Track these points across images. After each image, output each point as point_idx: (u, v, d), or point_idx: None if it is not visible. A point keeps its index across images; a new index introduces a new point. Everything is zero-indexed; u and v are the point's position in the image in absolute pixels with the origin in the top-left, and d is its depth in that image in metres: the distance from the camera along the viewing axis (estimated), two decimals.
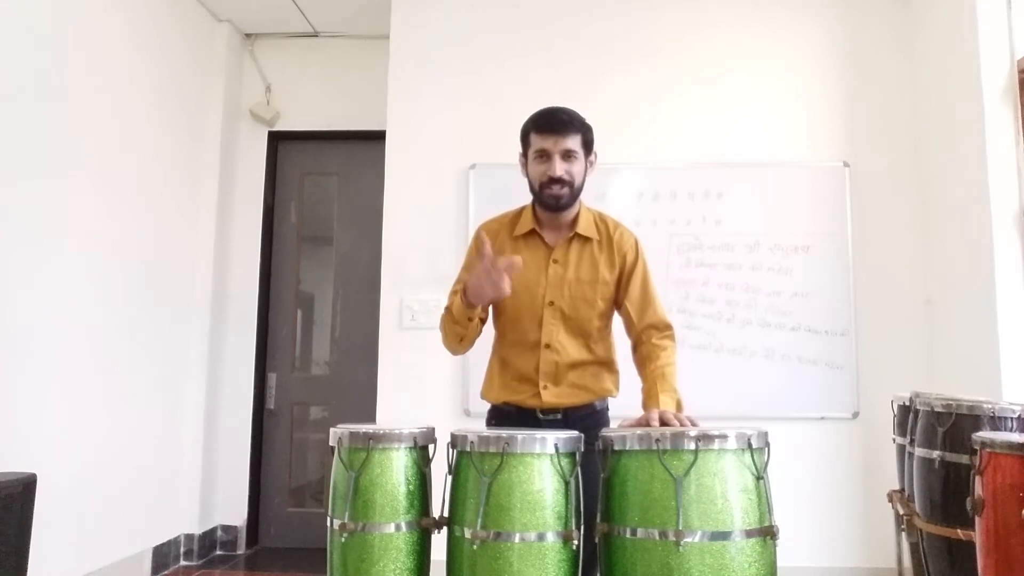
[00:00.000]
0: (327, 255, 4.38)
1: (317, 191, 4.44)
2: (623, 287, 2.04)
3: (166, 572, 3.61)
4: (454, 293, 2.06)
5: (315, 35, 4.31)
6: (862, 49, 3.61)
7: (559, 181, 1.94)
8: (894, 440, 2.67)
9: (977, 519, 1.61)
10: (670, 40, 3.65)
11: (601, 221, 2.08)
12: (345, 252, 4.30)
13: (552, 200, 1.97)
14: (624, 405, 1.99)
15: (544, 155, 1.96)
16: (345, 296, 4.28)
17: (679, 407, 1.86)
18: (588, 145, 2.01)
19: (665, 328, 2.02)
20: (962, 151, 3.14)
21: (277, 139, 4.33)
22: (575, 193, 1.99)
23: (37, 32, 2.79)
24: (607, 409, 2.09)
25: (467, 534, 1.52)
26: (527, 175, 2.04)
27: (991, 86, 2.98)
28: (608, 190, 3.50)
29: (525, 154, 2.03)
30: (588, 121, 2.02)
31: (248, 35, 4.32)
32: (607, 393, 2.07)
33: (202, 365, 3.88)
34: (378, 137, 3.72)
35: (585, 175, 2.02)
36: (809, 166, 3.55)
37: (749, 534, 1.44)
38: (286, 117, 4.29)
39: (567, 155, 1.95)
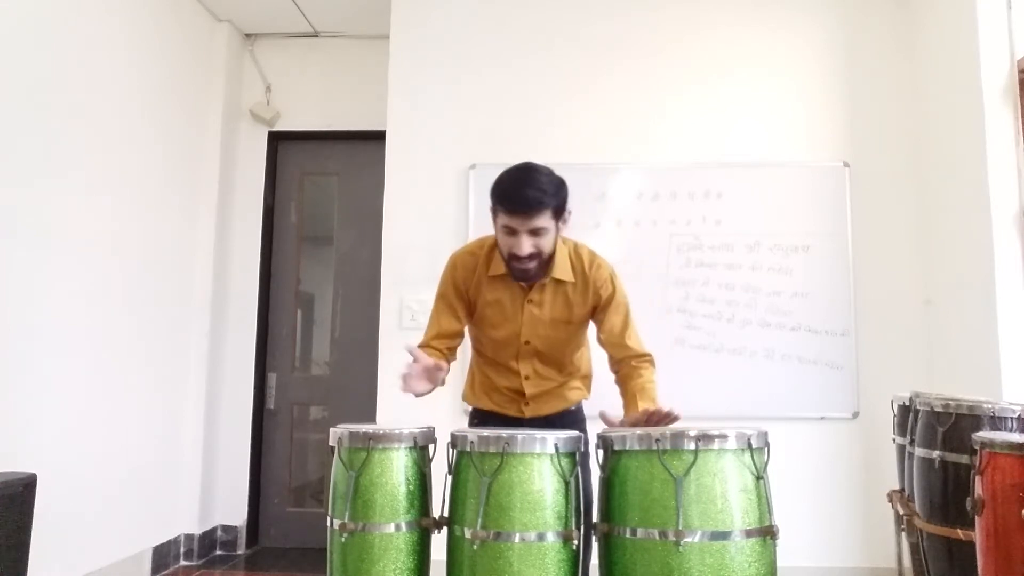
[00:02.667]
0: (327, 255, 4.38)
1: (317, 191, 4.44)
2: (599, 319, 2.04)
3: (166, 572, 3.60)
4: (429, 329, 2.08)
5: (315, 35, 4.31)
6: (862, 49, 3.61)
7: (527, 257, 1.89)
8: (894, 440, 2.67)
9: (977, 519, 1.61)
10: (670, 40, 3.65)
11: (576, 256, 2.04)
12: (345, 252, 4.30)
13: (520, 274, 1.95)
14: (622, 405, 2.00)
15: (510, 231, 1.88)
16: (345, 296, 4.28)
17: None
18: (559, 211, 1.90)
19: (643, 356, 2.03)
20: (962, 151, 3.14)
21: (277, 139, 4.33)
22: (544, 262, 1.94)
23: (37, 32, 2.79)
24: (582, 409, 2.20)
25: (467, 534, 1.52)
26: (496, 234, 1.97)
27: (991, 86, 2.98)
28: (608, 190, 3.50)
29: (494, 214, 1.94)
30: (560, 181, 1.90)
31: (248, 35, 4.32)
32: (582, 397, 2.19)
33: (202, 365, 3.88)
34: (378, 137, 3.72)
35: (557, 237, 1.95)
36: (809, 166, 3.55)
37: (749, 534, 1.45)
38: (286, 117, 4.28)
39: (535, 232, 1.87)
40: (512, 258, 1.92)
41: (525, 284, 2.02)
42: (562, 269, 2.01)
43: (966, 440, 1.80)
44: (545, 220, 1.87)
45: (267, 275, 4.24)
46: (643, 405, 1.86)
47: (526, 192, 1.85)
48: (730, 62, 3.62)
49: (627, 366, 2.02)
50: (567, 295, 2.02)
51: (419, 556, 1.61)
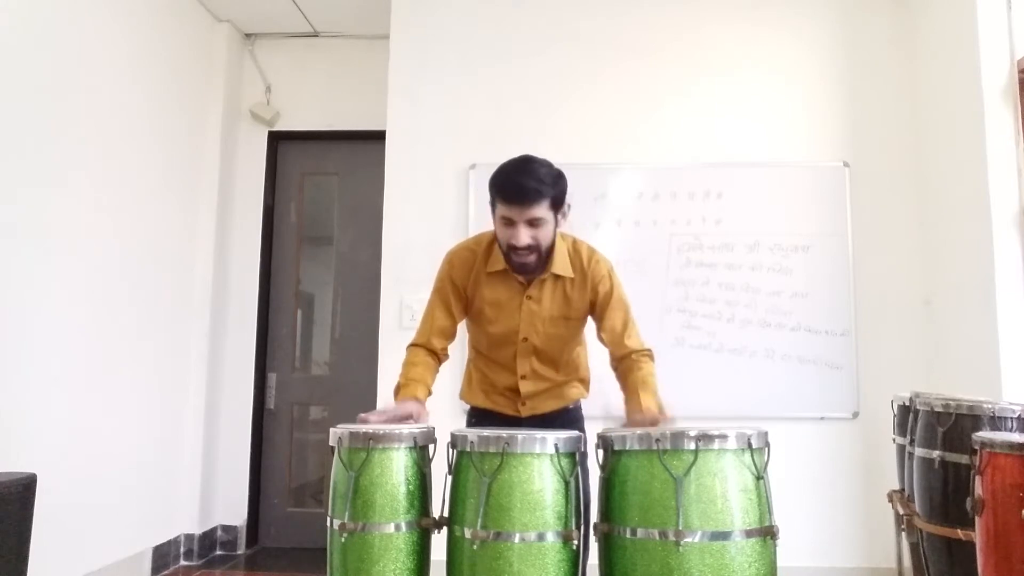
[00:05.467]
0: (327, 255, 4.38)
1: (317, 191, 4.44)
2: (599, 316, 2.03)
3: (166, 572, 3.60)
4: (423, 326, 2.06)
5: (315, 35, 4.31)
6: (862, 49, 3.61)
7: (526, 248, 1.90)
8: (894, 440, 2.67)
9: (977, 519, 1.61)
10: (670, 40, 3.65)
11: (575, 252, 2.04)
12: (345, 252, 4.30)
13: (519, 267, 1.95)
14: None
15: (508, 222, 1.90)
16: (345, 296, 4.28)
17: (661, 411, 1.86)
18: (558, 202, 1.91)
19: (644, 351, 2.01)
20: (962, 151, 3.14)
21: (277, 139, 4.33)
22: (544, 255, 1.94)
23: (37, 32, 2.79)
24: (580, 407, 2.19)
25: (467, 534, 1.52)
26: (495, 227, 1.98)
27: (991, 86, 2.98)
28: (608, 190, 3.50)
29: (492, 207, 1.96)
30: (559, 173, 1.92)
31: (248, 35, 4.32)
32: (580, 397, 2.17)
33: (202, 365, 3.88)
34: (378, 137, 3.72)
35: (556, 230, 1.96)
36: (809, 166, 3.55)
37: (749, 534, 1.45)
38: (286, 117, 4.28)
39: (533, 222, 1.88)
40: (511, 249, 1.92)
41: (524, 280, 2.01)
42: (561, 265, 2.00)
43: (966, 440, 1.80)
44: (543, 211, 1.88)
45: (267, 275, 4.24)
46: (645, 398, 1.85)
47: (524, 182, 1.86)
48: (730, 62, 3.62)
49: (628, 360, 2.00)
50: (565, 291, 2.01)
51: (419, 556, 1.61)
